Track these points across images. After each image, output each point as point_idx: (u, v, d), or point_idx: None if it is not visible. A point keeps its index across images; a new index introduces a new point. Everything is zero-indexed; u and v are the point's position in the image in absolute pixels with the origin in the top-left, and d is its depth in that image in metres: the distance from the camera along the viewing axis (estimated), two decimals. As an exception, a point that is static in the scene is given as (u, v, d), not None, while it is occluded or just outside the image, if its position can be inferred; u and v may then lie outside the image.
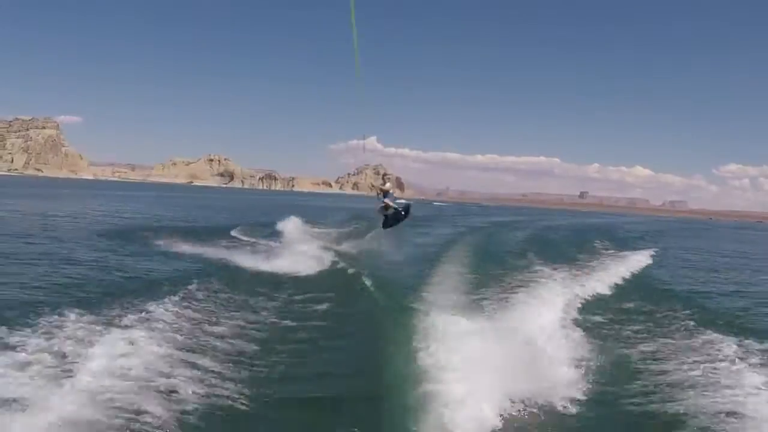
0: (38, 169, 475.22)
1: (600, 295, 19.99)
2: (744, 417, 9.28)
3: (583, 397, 10.07)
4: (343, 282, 19.81)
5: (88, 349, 10.09)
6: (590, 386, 10.53)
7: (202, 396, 9.08)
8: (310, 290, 18.29)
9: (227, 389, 9.55)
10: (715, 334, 14.79)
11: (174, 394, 8.89)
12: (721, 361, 12.48)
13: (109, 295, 15.27)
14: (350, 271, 21.32)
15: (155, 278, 18.65)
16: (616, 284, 22.56)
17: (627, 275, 25.19)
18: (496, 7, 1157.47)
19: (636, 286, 23.39)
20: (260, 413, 9.03)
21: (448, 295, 17.70)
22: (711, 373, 11.62)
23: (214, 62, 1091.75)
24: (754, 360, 12.48)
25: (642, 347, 14.08)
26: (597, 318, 16.77)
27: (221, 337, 12.40)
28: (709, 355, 13.04)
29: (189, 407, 8.60)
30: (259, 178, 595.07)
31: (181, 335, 11.83)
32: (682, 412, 9.74)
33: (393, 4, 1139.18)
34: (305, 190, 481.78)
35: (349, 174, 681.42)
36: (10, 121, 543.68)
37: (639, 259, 31.26)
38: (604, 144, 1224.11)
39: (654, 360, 12.99)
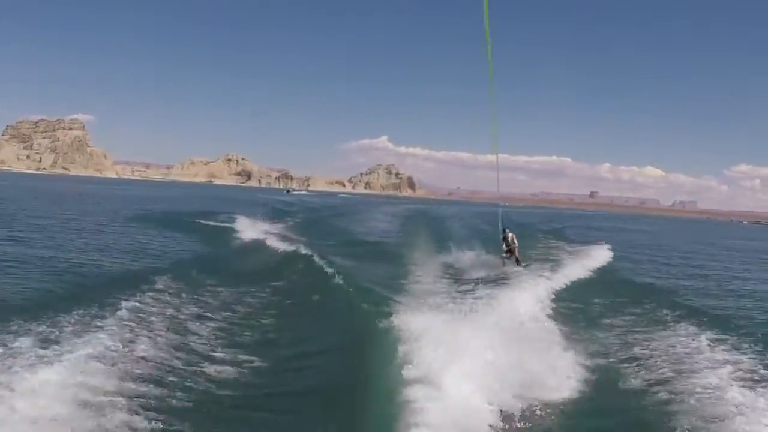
0: (66, 168, 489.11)
1: (568, 286, 20.61)
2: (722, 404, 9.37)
3: (570, 389, 10.02)
4: (310, 273, 20.27)
5: (52, 348, 9.72)
6: (578, 377, 10.56)
7: (175, 390, 8.89)
8: (274, 281, 18.93)
9: (201, 384, 9.38)
10: (690, 319, 15.81)
11: (144, 390, 8.70)
12: (696, 348, 13.01)
13: (74, 289, 14.86)
14: (314, 261, 21.64)
15: (125, 271, 18.63)
16: (583, 276, 23.45)
17: (592, 267, 26.39)
18: (507, 5, 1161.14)
19: (600, 277, 24.59)
20: (238, 407, 8.88)
21: (421, 290, 17.74)
22: (689, 358, 12.00)
23: (223, 60, 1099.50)
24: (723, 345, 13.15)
25: (619, 335, 14.54)
26: (571, 309, 17.19)
27: (196, 331, 12.23)
28: (685, 339, 13.60)
29: (158, 402, 8.39)
30: (276, 178, 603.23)
31: (153, 330, 11.56)
32: (667, 404, 9.61)
33: (410, 2, 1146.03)
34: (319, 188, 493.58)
35: (361, 173, 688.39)
36: (36, 122, 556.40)
37: (599, 252, 33.04)
38: (616, 144, 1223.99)
39: (634, 350, 13.18)
